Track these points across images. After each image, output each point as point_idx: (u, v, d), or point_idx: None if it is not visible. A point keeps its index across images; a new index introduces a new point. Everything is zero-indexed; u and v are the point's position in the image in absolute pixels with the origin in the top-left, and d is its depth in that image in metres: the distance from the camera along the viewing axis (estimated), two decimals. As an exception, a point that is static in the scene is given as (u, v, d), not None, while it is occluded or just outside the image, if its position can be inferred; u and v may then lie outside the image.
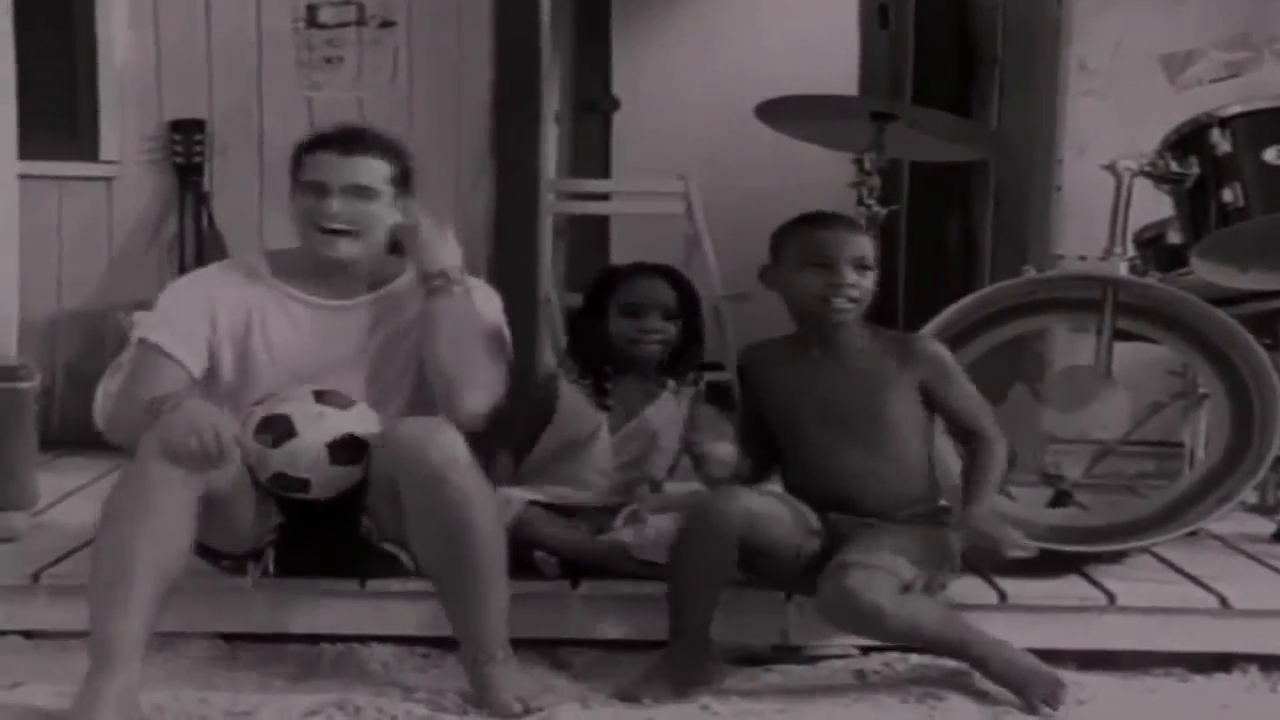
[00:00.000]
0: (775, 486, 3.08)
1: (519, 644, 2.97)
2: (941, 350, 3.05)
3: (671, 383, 3.36)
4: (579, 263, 5.84)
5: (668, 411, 3.35)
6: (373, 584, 3.08)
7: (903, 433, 3.00)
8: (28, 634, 3.11)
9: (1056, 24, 4.83)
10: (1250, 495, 3.63)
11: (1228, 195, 3.39)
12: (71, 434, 4.62)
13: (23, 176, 3.87)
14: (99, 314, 4.92)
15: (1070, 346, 4.16)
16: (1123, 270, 3.41)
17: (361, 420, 2.90)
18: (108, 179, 4.98)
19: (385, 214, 3.02)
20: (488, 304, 3.14)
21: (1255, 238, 3.38)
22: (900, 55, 5.92)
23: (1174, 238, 3.69)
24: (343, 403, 2.89)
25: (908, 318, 3.29)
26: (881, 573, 2.81)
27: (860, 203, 4.01)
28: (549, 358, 4.94)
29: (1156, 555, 3.38)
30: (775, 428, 3.06)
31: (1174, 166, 3.47)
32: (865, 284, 2.96)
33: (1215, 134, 3.41)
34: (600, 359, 3.34)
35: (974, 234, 5.64)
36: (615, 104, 6.73)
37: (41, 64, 4.34)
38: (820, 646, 3.09)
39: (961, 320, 3.35)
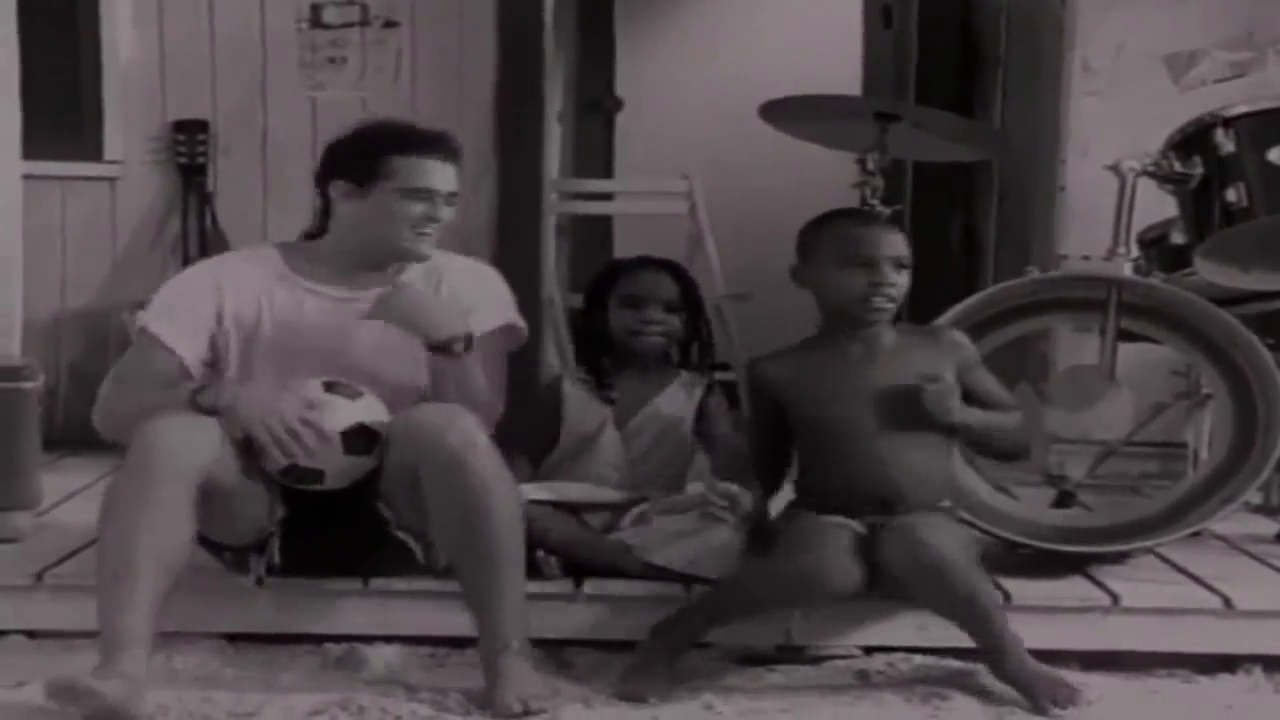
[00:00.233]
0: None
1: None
2: (965, 338, 3.07)
3: (683, 374, 3.37)
4: (582, 263, 5.83)
5: (678, 403, 3.36)
6: (377, 583, 3.08)
7: (944, 432, 3.01)
8: (31, 634, 3.11)
9: (1060, 24, 4.83)
10: (1254, 496, 3.63)
11: (1231, 195, 3.38)
12: (75, 434, 4.58)
13: (27, 176, 3.88)
14: (103, 314, 4.92)
15: (1074, 347, 4.17)
16: (1126, 270, 3.41)
17: (371, 410, 2.89)
18: (111, 179, 4.99)
19: None
20: (489, 291, 3.14)
21: (1259, 238, 3.38)
22: (903, 55, 5.92)
23: (1177, 238, 3.69)
24: (352, 393, 2.89)
25: (911, 318, 3.29)
26: (950, 531, 2.86)
27: (863, 203, 4.00)
28: (552, 358, 4.95)
29: (1160, 556, 3.38)
30: (810, 434, 3.01)
31: (1178, 167, 3.47)
32: (903, 282, 2.95)
33: (1219, 134, 3.41)
34: (602, 352, 3.36)
35: (977, 234, 5.64)
36: (618, 104, 6.73)
37: (45, 64, 4.34)
38: (824, 646, 3.09)
39: (965, 320, 3.34)
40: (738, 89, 5.63)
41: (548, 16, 5.04)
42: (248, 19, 4.94)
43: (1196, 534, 3.41)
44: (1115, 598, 3.12)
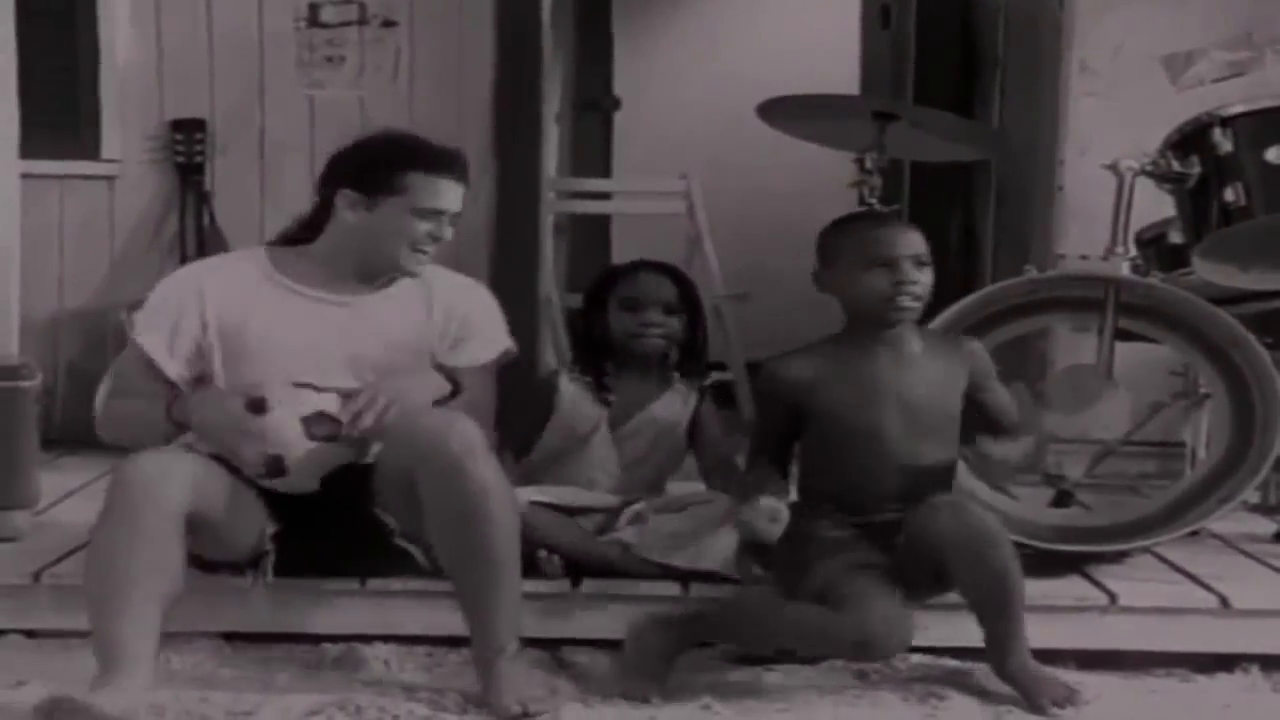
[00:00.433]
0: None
1: (521, 643, 2.97)
2: (984, 351, 3.08)
3: (679, 380, 3.38)
4: (580, 262, 5.84)
5: (674, 409, 3.36)
6: (374, 583, 3.08)
7: (955, 429, 3.02)
8: (30, 633, 3.11)
9: (1058, 24, 4.83)
10: (1252, 495, 3.63)
11: (1229, 195, 3.39)
12: (73, 433, 4.61)
13: (24, 175, 3.87)
14: (100, 313, 4.92)
15: (1072, 346, 4.17)
16: (1124, 270, 3.41)
17: (333, 405, 2.88)
18: (109, 178, 4.99)
19: None
20: (485, 319, 3.14)
21: (1257, 237, 3.38)
22: (902, 55, 5.92)
23: (1176, 237, 3.69)
24: (317, 389, 2.88)
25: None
26: (990, 511, 2.88)
27: (862, 202, 4.00)
28: (550, 357, 4.95)
29: (1158, 555, 3.38)
30: (829, 436, 2.98)
31: (1176, 166, 3.47)
32: (925, 280, 2.94)
33: (1217, 133, 3.41)
34: (601, 355, 3.36)
35: (976, 234, 5.64)
36: (616, 103, 6.73)
37: (43, 63, 4.34)
38: (822, 646, 3.09)
39: (963, 320, 3.35)
40: (736, 88, 5.64)
41: (546, 16, 5.04)
42: (245, 18, 4.93)
43: (1194, 533, 3.42)
44: (1113, 597, 3.12)
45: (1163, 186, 3.55)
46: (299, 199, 4.77)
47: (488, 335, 3.12)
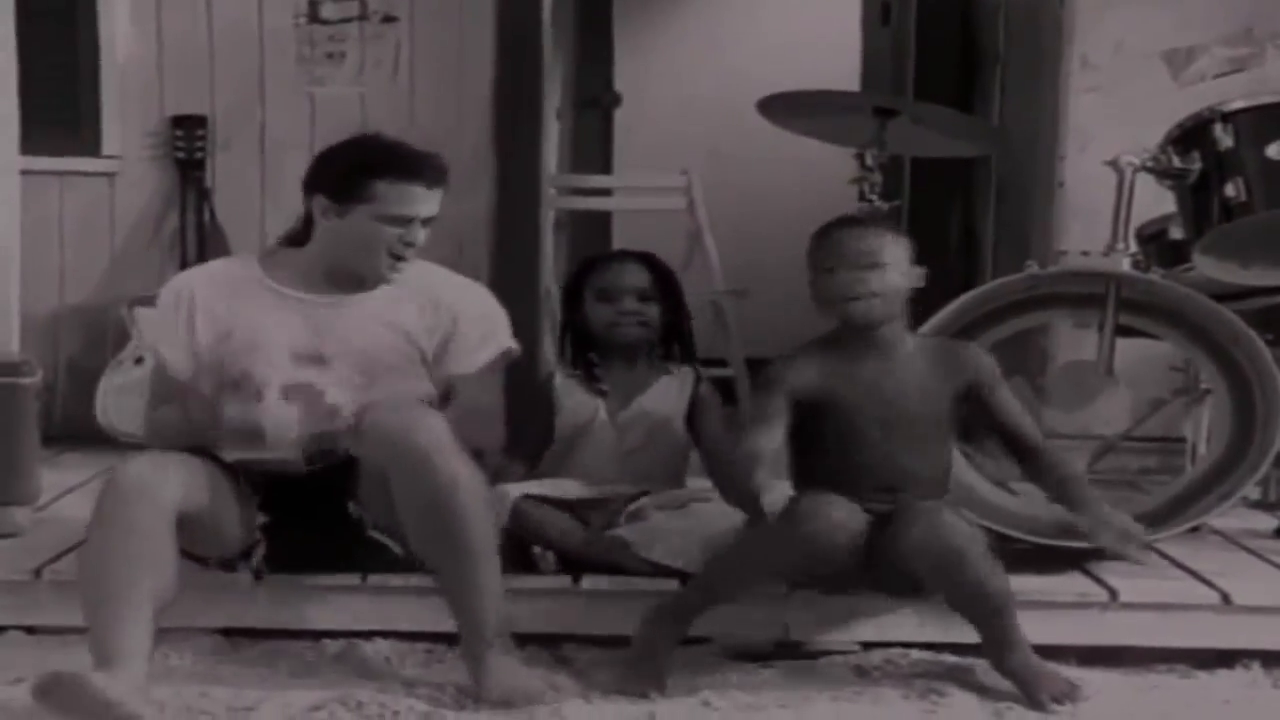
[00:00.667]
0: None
1: (522, 639, 2.97)
2: (990, 360, 3.07)
3: (672, 369, 3.38)
4: (580, 258, 5.83)
5: (668, 398, 3.36)
6: (374, 579, 3.08)
7: (942, 435, 3.04)
8: (30, 629, 3.11)
9: (1059, 20, 4.83)
10: (1253, 491, 3.64)
11: (1230, 191, 3.38)
12: (74, 429, 4.63)
13: (24, 172, 3.87)
14: (101, 309, 4.92)
15: (1073, 342, 4.16)
16: (1125, 266, 3.41)
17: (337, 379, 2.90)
18: (109, 174, 4.98)
19: None
20: (490, 322, 3.13)
21: (1258, 233, 3.38)
22: (902, 51, 5.91)
23: (1176, 233, 3.69)
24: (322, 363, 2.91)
25: (910, 313, 3.28)
26: (966, 523, 2.85)
27: (862, 198, 4.01)
28: (550, 353, 4.94)
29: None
30: (823, 432, 3.00)
31: (1176, 162, 3.47)
32: (881, 281, 2.93)
33: (1218, 129, 3.41)
34: (586, 347, 3.37)
35: (976, 230, 5.64)
36: (617, 99, 6.72)
37: (43, 59, 4.34)
38: (821, 642, 3.09)
39: (964, 316, 3.35)
40: (736, 84, 5.64)
41: (546, 12, 5.04)
42: (246, 14, 4.93)
43: (1195, 529, 3.41)
44: (1113, 593, 3.12)
45: (1163, 182, 3.55)
46: (299, 196, 4.80)
47: (485, 334, 3.11)
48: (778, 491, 2.86)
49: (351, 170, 2.99)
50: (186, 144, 4.89)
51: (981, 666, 2.94)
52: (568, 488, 3.24)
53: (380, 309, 3.05)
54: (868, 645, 3.09)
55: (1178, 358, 3.95)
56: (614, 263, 3.42)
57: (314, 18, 4.94)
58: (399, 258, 3.00)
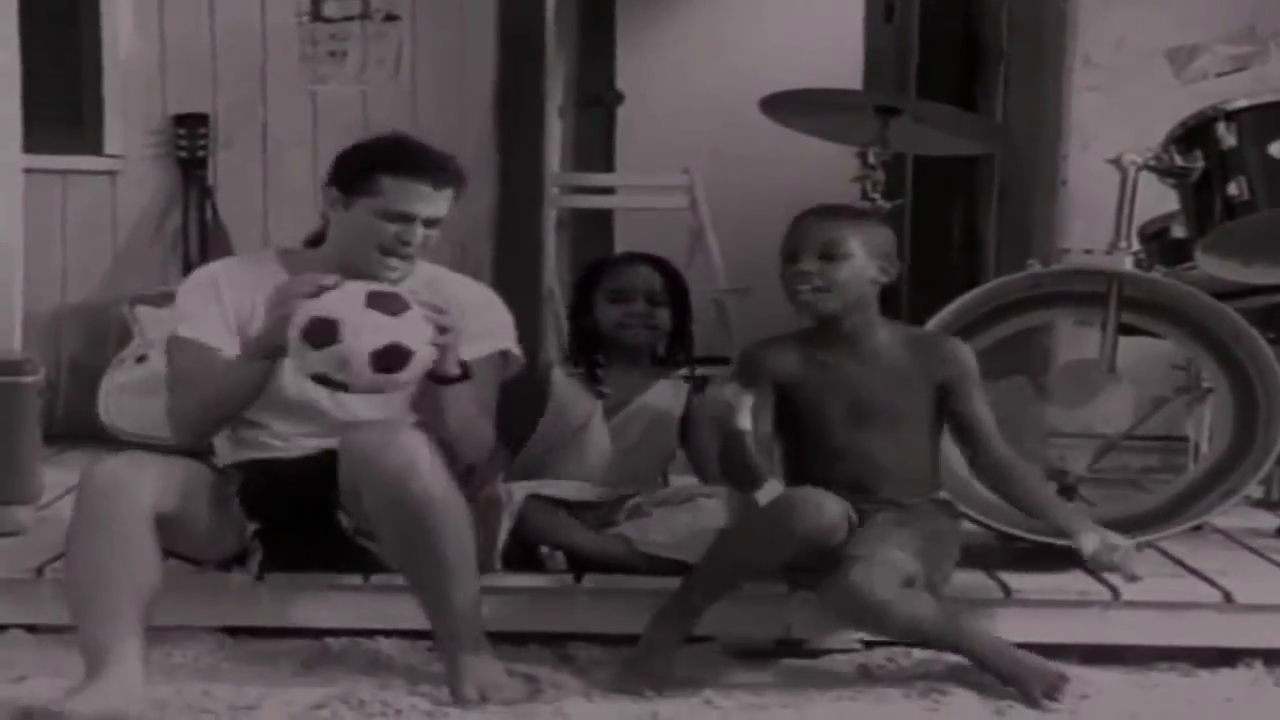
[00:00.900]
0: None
1: (524, 638, 2.97)
2: (967, 354, 3.07)
3: (672, 374, 3.38)
4: (582, 257, 5.82)
5: (665, 400, 3.36)
6: (377, 578, 3.07)
7: (921, 427, 3.03)
8: (31, 628, 3.10)
9: (1061, 18, 4.83)
10: (1255, 490, 3.63)
11: (1233, 189, 3.38)
12: (76, 428, 4.63)
13: (27, 170, 3.87)
14: (103, 308, 4.92)
15: (1075, 341, 4.16)
16: (1127, 264, 3.41)
17: (409, 327, 2.78)
18: (112, 173, 4.98)
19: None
20: (493, 317, 3.13)
21: (1260, 232, 3.38)
22: (905, 50, 5.91)
23: (1179, 232, 3.69)
24: (395, 308, 2.79)
25: (912, 312, 3.29)
26: (885, 567, 2.81)
27: (864, 197, 4.00)
28: (552, 352, 4.95)
29: (1161, 550, 3.37)
30: (798, 424, 3.02)
31: (1179, 160, 3.46)
32: (835, 272, 2.93)
33: (1221, 128, 3.40)
34: (593, 348, 3.37)
35: (978, 228, 5.63)
36: (619, 98, 6.72)
37: (46, 58, 4.33)
38: (823, 641, 3.09)
39: (966, 315, 3.35)
40: (739, 83, 5.64)
41: (549, 10, 5.05)
42: (248, 13, 4.93)
43: (1197, 528, 3.41)
44: (1115, 592, 3.11)
45: (1166, 181, 3.54)
46: (301, 194, 4.82)
47: (486, 329, 3.10)
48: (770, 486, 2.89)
49: (361, 163, 3.01)
50: (189, 142, 4.89)
51: (983, 665, 2.94)
52: (569, 489, 3.24)
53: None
54: (870, 644, 3.08)
55: (1180, 356, 3.95)
56: (626, 265, 3.41)
57: (316, 16, 4.94)
58: (395, 255, 2.99)
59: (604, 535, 3.18)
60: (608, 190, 5.98)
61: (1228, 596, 3.11)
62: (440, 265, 3.18)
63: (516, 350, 3.16)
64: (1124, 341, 3.42)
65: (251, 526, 2.99)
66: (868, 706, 2.83)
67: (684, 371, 3.42)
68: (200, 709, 2.72)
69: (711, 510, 3.16)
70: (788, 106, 4.08)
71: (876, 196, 3.98)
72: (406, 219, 2.97)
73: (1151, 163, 3.47)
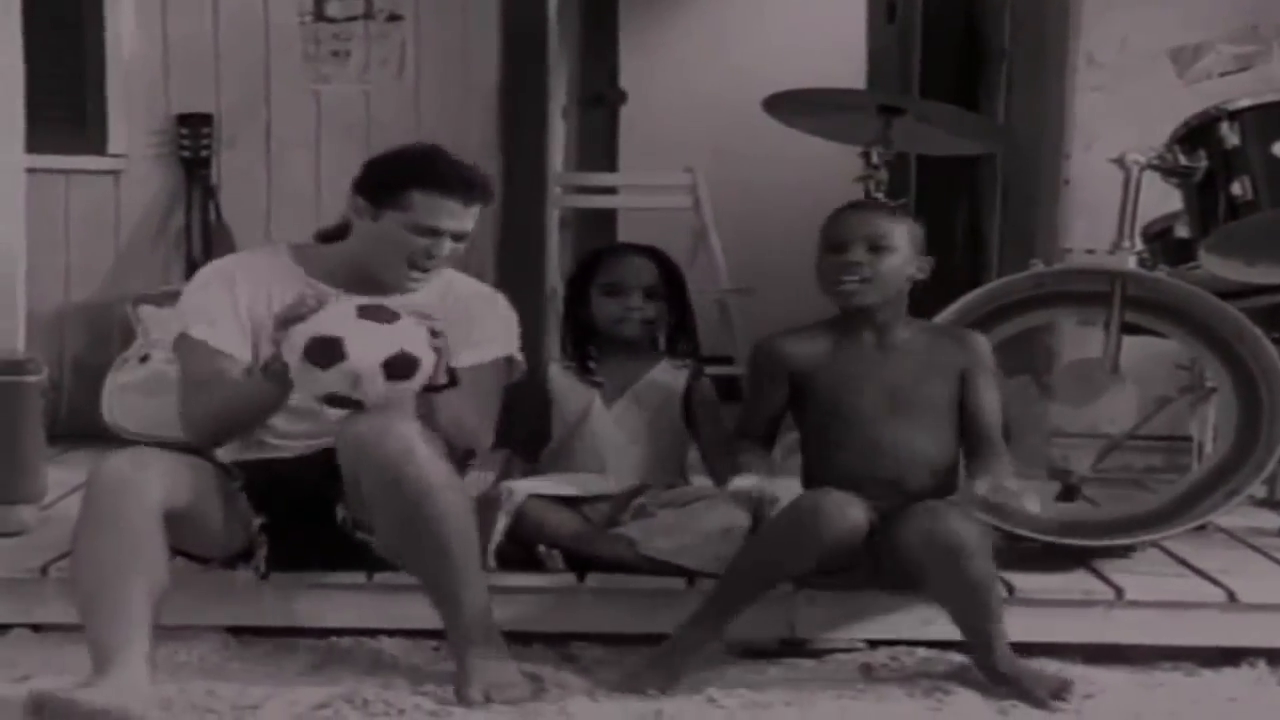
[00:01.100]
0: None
1: (527, 637, 2.97)
2: (985, 345, 3.08)
3: (668, 359, 3.37)
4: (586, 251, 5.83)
5: (664, 386, 3.36)
6: (380, 577, 3.07)
7: (948, 421, 3.03)
8: (36, 627, 3.11)
9: (1064, 17, 4.83)
10: (1258, 489, 3.63)
11: (1236, 189, 3.38)
12: (79, 428, 4.63)
13: (30, 170, 3.87)
14: (106, 307, 4.92)
15: (1078, 340, 4.16)
16: (1131, 264, 3.40)
17: (407, 333, 2.80)
18: (115, 172, 4.99)
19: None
20: (497, 321, 3.14)
21: (1263, 231, 3.38)
22: (907, 49, 5.91)
23: (1182, 231, 3.68)
24: (387, 317, 2.80)
25: (915, 311, 3.28)
26: (970, 520, 2.84)
27: (867, 196, 3.99)
28: (555, 351, 4.95)
29: (1164, 549, 3.38)
30: (822, 419, 3.01)
31: (1182, 160, 3.46)
32: (883, 264, 2.95)
33: (1224, 127, 3.40)
34: (588, 341, 3.36)
35: (981, 228, 5.63)
36: (622, 97, 6.72)
37: (49, 58, 4.33)
38: (827, 640, 3.09)
39: (969, 314, 3.35)
40: (742, 82, 5.63)
41: (551, 10, 5.05)
42: (251, 12, 4.93)
43: (1201, 528, 3.41)
44: (1119, 591, 3.12)
45: (1169, 180, 3.54)
46: (304, 193, 4.83)
47: (491, 335, 3.11)
48: (751, 479, 2.88)
49: (391, 176, 3.01)
50: (192, 142, 4.89)
51: (987, 665, 2.94)
52: (570, 484, 3.23)
53: (404, 302, 3.04)
54: (873, 643, 3.09)
55: (1183, 355, 3.94)
56: (621, 257, 3.40)
57: (319, 16, 4.94)
58: (420, 268, 3.01)
59: (606, 535, 3.18)
60: (610, 190, 5.98)
61: (1231, 596, 3.11)
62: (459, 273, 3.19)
63: (519, 357, 3.17)
64: (1127, 341, 3.41)
65: (258, 521, 2.99)
66: (871, 706, 2.83)
67: (685, 362, 3.42)
68: (204, 708, 2.72)
69: (717, 514, 3.15)
70: (791, 106, 4.07)
71: (880, 196, 3.98)
72: (434, 233, 2.99)
73: (1155, 162, 3.47)
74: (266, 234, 4.79)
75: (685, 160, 5.62)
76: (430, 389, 2.85)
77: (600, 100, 6.54)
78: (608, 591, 3.12)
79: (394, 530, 2.82)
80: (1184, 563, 3.31)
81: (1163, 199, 3.65)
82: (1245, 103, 3.44)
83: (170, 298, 4.67)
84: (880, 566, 2.93)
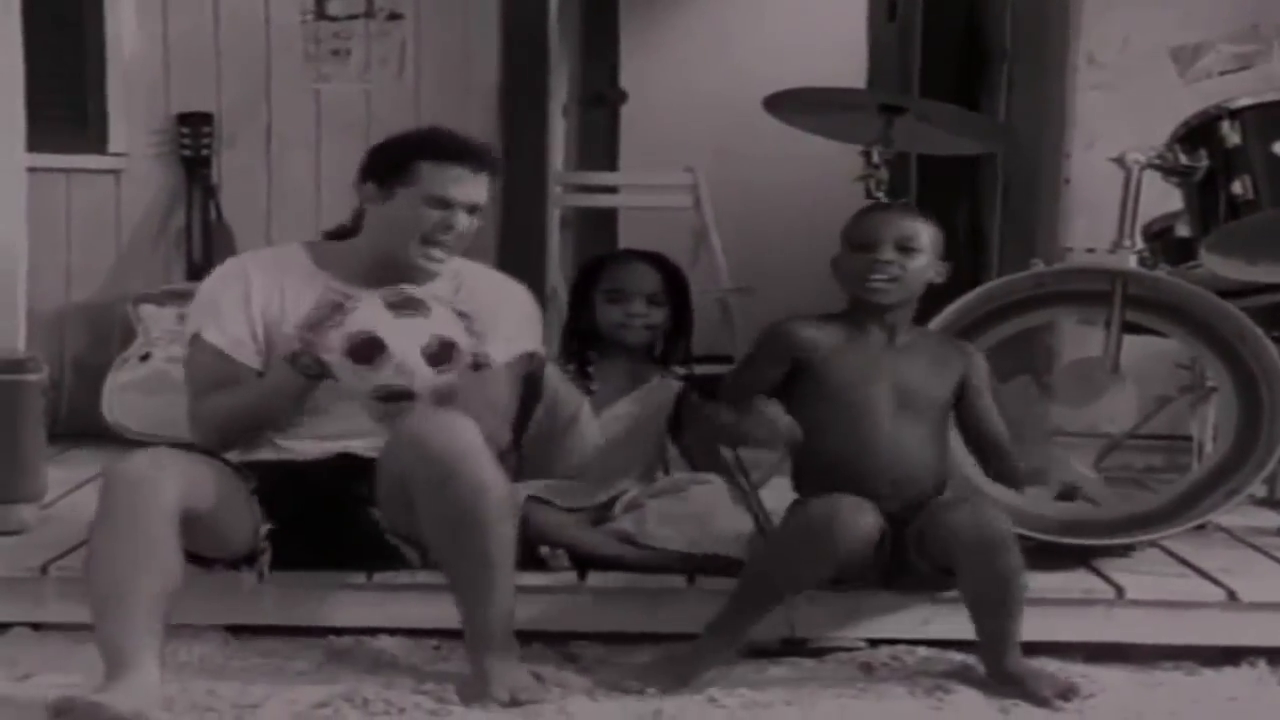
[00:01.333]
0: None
1: (528, 636, 2.97)
2: (984, 362, 3.10)
3: (664, 371, 3.37)
4: (586, 256, 5.81)
5: (656, 397, 3.36)
6: (381, 577, 3.08)
7: (945, 424, 3.06)
8: (36, 626, 3.11)
9: (1065, 16, 4.83)
10: (1259, 489, 3.63)
11: (1237, 188, 3.38)
12: (80, 427, 4.63)
13: (31, 169, 3.87)
14: (107, 306, 4.92)
15: (1079, 340, 4.16)
16: (1131, 263, 3.40)
17: (443, 322, 2.83)
18: (116, 171, 4.98)
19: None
20: (516, 313, 3.13)
21: (1264, 230, 3.38)
22: (908, 48, 5.91)
23: (1183, 230, 3.68)
24: (419, 308, 2.82)
25: (916, 311, 3.28)
26: (1004, 513, 2.88)
27: (868, 196, 3.99)
28: (553, 349, 4.95)
29: (1165, 549, 3.37)
30: (828, 409, 2.99)
31: (1183, 159, 3.46)
32: (912, 264, 2.97)
33: (1225, 126, 3.40)
34: (588, 346, 3.36)
35: (982, 227, 5.63)
36: (623, 96, 6.71)
37: (50, 57, 4.34)
38: (827, 639, 3.09)
39: (970, 314, 3.35)
40: (742, 81, 5.63)
41: (552, 9, 5.05)
42: (252, 11, 4.93)
43: (1201, 527, 3.41)
44: (1119, 590, 3.12)
45: (1170, 180, 3.55)
46: (304, 192, 4.83)
47: (509, 334, 3.09)
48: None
49: (397, 154, 3.02)
50: (192, 141, 4.89)
51: (987, 664, 2.94)
52: (564, 491, 3.23)
53: (421, 294, 3.04)
54: (874, 642, 3.09)
55: (1184, 355, 3.95)
56: (625, 264, 3.40)
57: (320, 14, 4.94)
58: (437, 243, 2.99)
59: (604, 531, 3.18)
60: (611, 189, 5.97)
61: (1232, 595, 3.11)
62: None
63: (542, 351, 3.16)
64: (1128, 340, 3.41)
65: (265, 527, 2.97)
66: (871, 705, 2.83)
67: (681, 371, 3.42)
68: (205, 707, 2.72)
69: (706, 496, 3.16)
70: (791, 105, 4.07)
71: (880, 195, 3.98)
72: (446, 204, 2.98)
73: (1155, 161, 3.47)
74: (267, 233, 4.79)
75: (686, 160, 5.62)
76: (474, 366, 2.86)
77: (601, 100, 6.53)
78: (608, 591, 3.12)
79: (441, 528, 2.79)
80: (1185, 562, 3.30)
81: (1163, 198, 3.65)
82: (1246, 102, 3.44)
83: (171, 297, 4.69)
84: (887, 571, 2.94)
